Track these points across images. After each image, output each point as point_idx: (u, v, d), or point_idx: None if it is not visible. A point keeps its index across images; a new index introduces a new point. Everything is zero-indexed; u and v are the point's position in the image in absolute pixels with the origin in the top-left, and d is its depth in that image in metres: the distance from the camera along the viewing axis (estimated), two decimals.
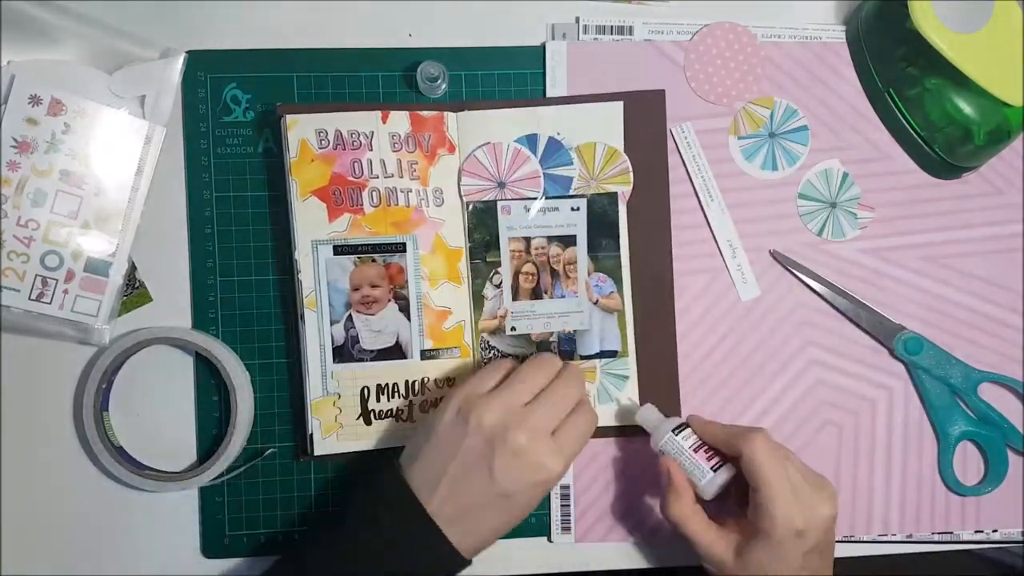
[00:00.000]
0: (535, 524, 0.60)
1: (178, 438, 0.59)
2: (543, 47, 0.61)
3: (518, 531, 0.60)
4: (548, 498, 0.60)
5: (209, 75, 0.59)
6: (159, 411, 0.59)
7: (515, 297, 0.60)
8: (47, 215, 0.55)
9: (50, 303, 0.56)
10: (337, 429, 0.58)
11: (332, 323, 0.57)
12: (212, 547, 0.59)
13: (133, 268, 0.58)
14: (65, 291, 0.56)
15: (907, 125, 0.61)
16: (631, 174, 0.60)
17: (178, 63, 0.57)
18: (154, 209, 0.58)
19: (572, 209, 0.60)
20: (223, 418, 0.58)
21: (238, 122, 0.59)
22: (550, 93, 0.60)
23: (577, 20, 0.61)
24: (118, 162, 0.56)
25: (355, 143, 0.57)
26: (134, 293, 0.58)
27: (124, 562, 0.59)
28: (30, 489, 0.58)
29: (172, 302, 0.59)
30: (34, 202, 0.55)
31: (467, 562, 0.51)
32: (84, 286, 0.56)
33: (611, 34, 0.61)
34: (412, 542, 0.50)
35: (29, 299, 0.56)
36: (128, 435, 0.59)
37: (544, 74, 0.60)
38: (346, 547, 0.50)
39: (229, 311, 0.59)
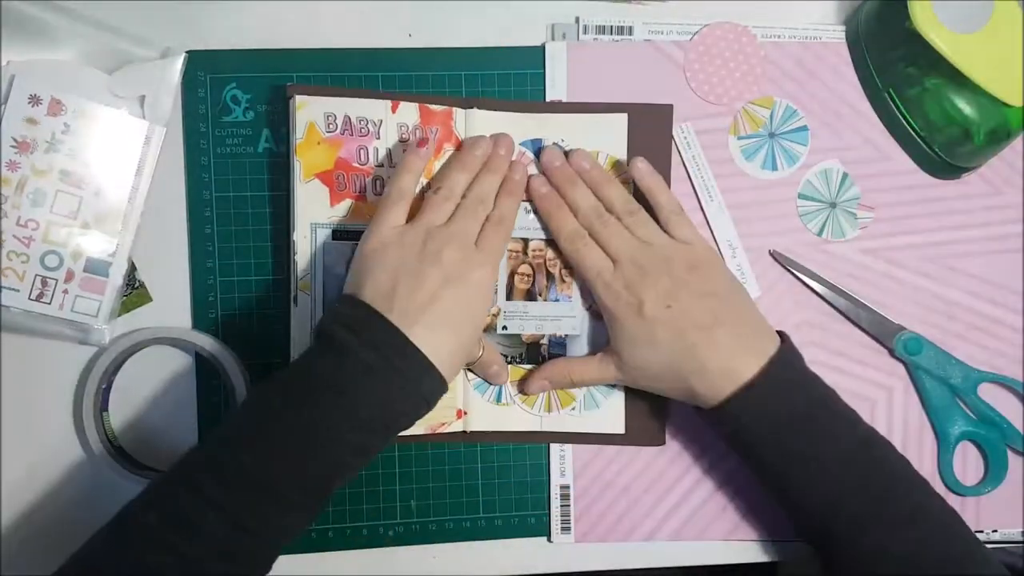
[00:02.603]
0: (535, 524, 0.61)
1: (178, 438, 0.59)
2: (543, 47, 0.60)
3: (518, 531, 0.60)
4: (548, 498, 0.60)
5: (209, 75, 0.59)
6: (159, 411, 0.59)
7: (509, 296, 0.59)
8: (47, 215, 0.55)
9: (50, 303, 0.56)
10: None
11: (325, 308, 0.57)
12: None
13: (133, 268, 0.58)
14: (65, 291, 0.56)
15: (907, 125, 0.61)
16: (632, 185, 0.59)
17: (178, 63, 0.57)
18: (154, 209, 0.58)
19: None
20: (223, 418, 0.58)
21: (238, 122, 0.59)
22: (550, 93, 0.60)
23: (577, 20, 0.61)
24: (118, 162, 0.56)
25: (363, 130, 0.57)
26: (134, 293, 0.58)
27: None
28: (30, 489, 0.58)
29: (172, 302, 0.59)
30: (34, 202, 0.55)
31: (443, 383, 0.50)
32: (84, 286, 0.56)
33: (611, 34, 0.61)
34: (386, 360, 0.48)
35: (29, 299, 0.56)
36: (128, 435, 0.59)
37: (544, 74, 0.60)
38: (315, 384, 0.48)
39: (229, 311, 0.59)
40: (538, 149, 0.59)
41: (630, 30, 0.61)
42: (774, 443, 0.51)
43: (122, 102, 0.57)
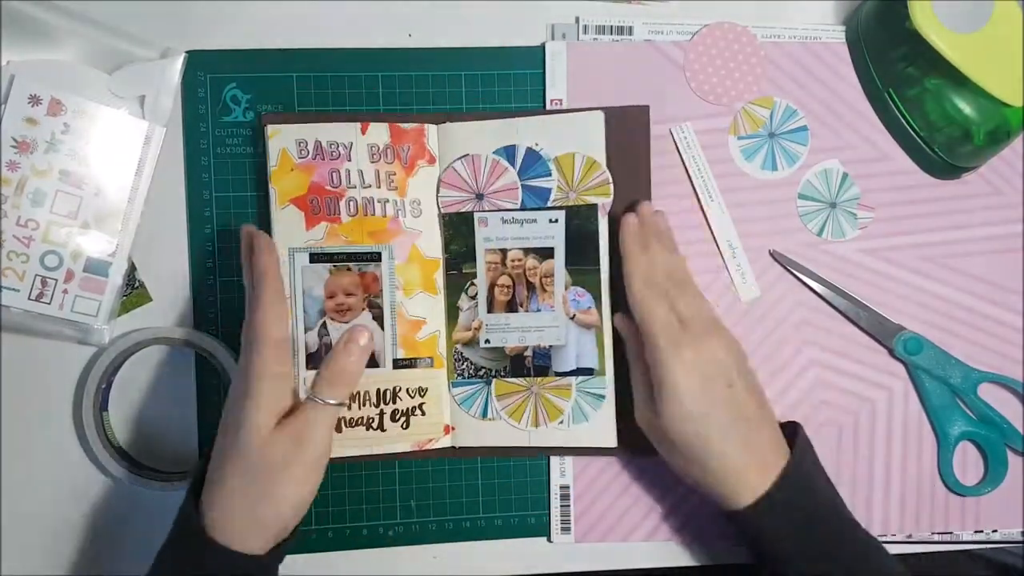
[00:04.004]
0: (535, 524, 0.61)
1: (178, 438, 0.59)
2: (543, 47, 0.61)
3: (518, 531, 0.60)
4: (548, 499, 0.61)
5: (209, 75, 0.59)
6: (159, 411, 0.59)
7: (490, 309, 0.59)
8: (47, 215, 0.55)
9: (50, 303, 0.56)
10: None
11: (306, 330, 0.57)
12: None
13: (133, 268, 0.58)
14: (65, 291, 0.56)
15: (907, 125, 0.61)
16: (611, 186, 0.59)
17: (178, 63, 0.57)
18: (154, 209, 0.58)
19: (550, 221, 0.59)
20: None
21: (238, 122, 0.59)
22: (550, 93, 0.60)
23: (577, 20, 0.61)
24: (118, 162, 0.56)
25: (334, 153, 0.57)
26: (133, 293, 0.58)
27: (124, 562, 0.59)
28: (30, 489, 0.58)
29: (172, 302, 0.59)
30: (34, 202, 0.55)
31: (250, 557, 0.49)
32: (84, 286, 0.56)
33: (611, 34, 0.61)
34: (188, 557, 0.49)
35: (29, 299, 0.56)
36: (128, 435, 0.59)
37: (544, 74, 0.60)
38: None
39: (229, 311, 0.59)
40: (512, 156, 0.59)
41: (630, 30, 0.61)
42: (793, 545, 0.52)
43: (122, 102, 0.57)
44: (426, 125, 0.59)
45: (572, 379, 0.59)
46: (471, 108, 0.60)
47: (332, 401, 0.51)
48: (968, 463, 0.63)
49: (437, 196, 0.59)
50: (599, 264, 0.59)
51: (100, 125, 0.56)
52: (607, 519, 0.60)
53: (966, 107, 0.58)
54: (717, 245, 0.61)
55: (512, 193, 0.59)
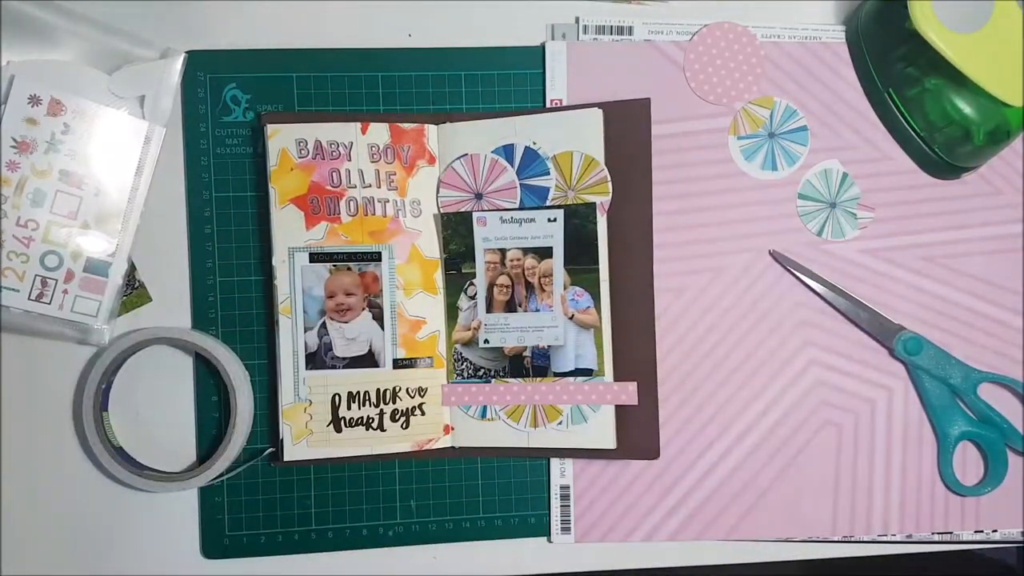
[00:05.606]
0: (535, 524, 0.61)
1: (178, 438, 0.59)
2: (543, 47, 0.61)
3: (518, 531, 0.60)
4: (548, 498, 0.61)
5: (209, 75, 0.59)
6: (159, 411, 0.59)
7: (489, 309, 0.59)
8: (47, 215, 0.55)
9: (50, 303, 0.56)
10: (307, 435, 0.58)
11: (306, 329, 0.57)
12: (212, 547, 0.59)
13: (132, 268, 0.58)
14: (65, 291, 0.56)
15: (907, 125, 0.61)
16: (609, 184, 0.58)
17: (178, 63, 0.57)
18: (154, 209, 0.58)
19: (548, 220, 0.59)
20: (223, 418, 0.58)
21: (238, 122, 0.59)
22: (549, 93, 0.60)
23: (577, 20, 0.61)
24: (118, 162, 0.56)
25: (334, 153, 0.58)
26: (133, 293, 0.58)
27: (124, 562, 0.59)
28: (30, 489, 0.58)
29: (172, 302, 0.59)
30: (34, 202, 0.55)
31: None
32: (84, 286, 0.56)
33: (611, 34, 0.61)
34: None
35: (28, 299, 0.56)
36: (128, 435, 0.59)
37: (543, 74, 0.60)
38: None
39: (229, 311, 0.59)
40: (510, 155, 0.59)
41: (630, 30, 0.61)
42: None
43: (122, 102, 0.57)
44: (426, 125, 0.59)
45: (571, 380, 0.59)
46: (471, 108, 0.60)
47: None
48: (968, 463, 0.63)
49: (437, 196, 0.59)
50: (597, 263, 0.59)
51: (100, 125, 0.56)
52: (607, 519, 0.60)
53: (966, 107, 0.58)
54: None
55: (511, 192, 0.59)
